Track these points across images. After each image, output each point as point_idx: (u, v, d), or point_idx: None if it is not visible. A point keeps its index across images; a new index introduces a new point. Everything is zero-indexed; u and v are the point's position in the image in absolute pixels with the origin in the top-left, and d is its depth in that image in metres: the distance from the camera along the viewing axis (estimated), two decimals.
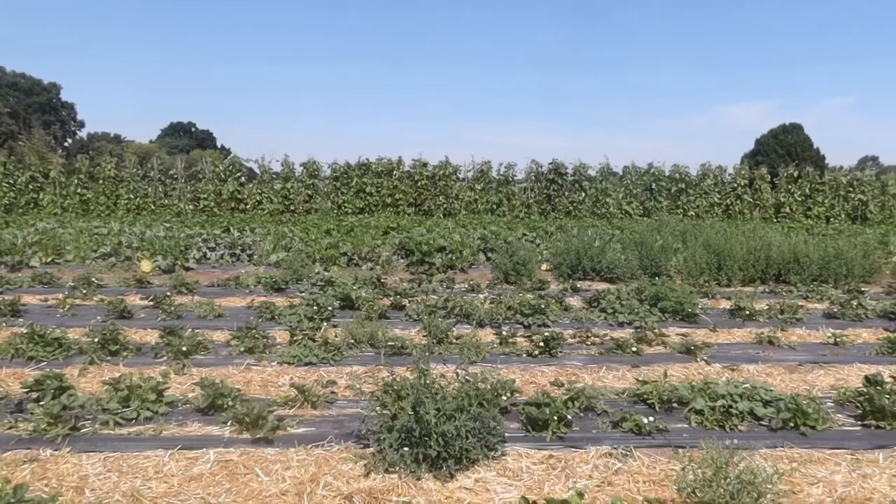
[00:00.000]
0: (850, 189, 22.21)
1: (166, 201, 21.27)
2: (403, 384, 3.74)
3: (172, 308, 7.15)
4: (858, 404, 4.36)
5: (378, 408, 3.70)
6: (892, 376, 4.71)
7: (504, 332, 6.08)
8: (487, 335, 6.36)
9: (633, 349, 5.70)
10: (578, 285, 9.38)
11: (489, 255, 12.08)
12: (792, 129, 70.17)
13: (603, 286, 9.22)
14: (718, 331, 6.89)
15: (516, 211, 21.08)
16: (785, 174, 22.12)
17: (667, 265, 10.74)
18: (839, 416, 4.35)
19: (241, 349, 5.63)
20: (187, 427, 3.97)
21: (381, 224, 17.24)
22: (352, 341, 5.78)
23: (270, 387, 4.84)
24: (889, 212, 22.04)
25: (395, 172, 20.84)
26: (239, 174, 21.13)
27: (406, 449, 3.37)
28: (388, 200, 20.61)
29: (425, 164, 21.01)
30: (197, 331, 6.20)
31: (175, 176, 21.80)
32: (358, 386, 4.74)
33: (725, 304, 8.04)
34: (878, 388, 4.50)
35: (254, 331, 5.95)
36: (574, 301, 8.12)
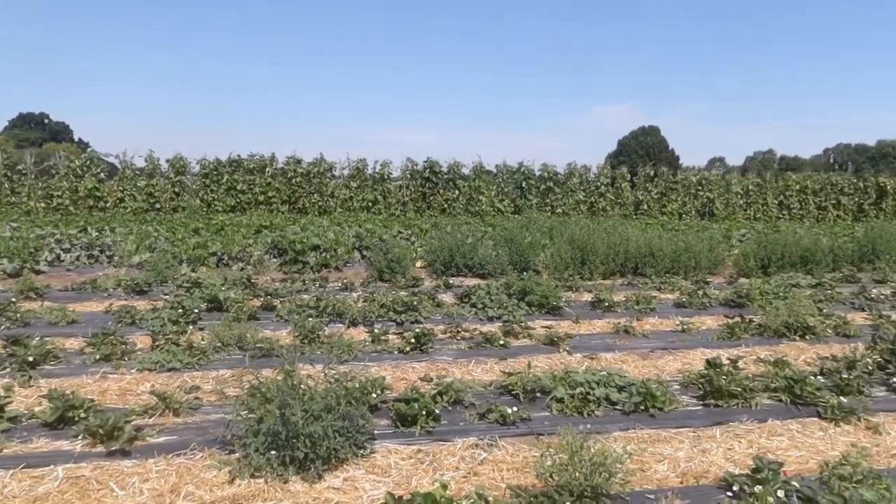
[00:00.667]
0: (700, 188, 24.10)
1: (13, 199, 19.48)
2: (270, 386, 3.68)
3: (18, 315, 6.59)
4: (700, 386, 4.77)
5: (244, 412, 3.62)
6: (729, 359, 5.17)
7: (376, 330, 6.12)
8: (360, 333, 6.36)
9: (501, 342, 5.92)
10: (451, 282, 9.57)
11: (364, 253, 12.05)
12: (650, 131, 75.02)
13: (475, 282, 9.47)
14: (581, 322, 7.28)
15: (392, 209, 21.16)
16: (643, 173, 23.68)
17: (535, 261, 11.18)
18: (684, 397, 4.73)
19: (97, 357, 5.29)
20: (32, 444, 3.69)
21: (254, 223, 16.72)
22: (219, 344, 5.59)
23: (129, 395, 4.60)
24: (732, 208, 24.16)
25: (267, 169, 20.28)
26: (98, 170, 19.72)
27: (273, 452, 3.33)
28: (261, 198, 20.03)
29: (299, 161, 20.61)
30: (47, 339, 5.76)
31: (24, 171, 20.02)
32: (223, 390, 4.61)
33: (588, 297, 8.49)
34: (717, 370, 4.95)
35: (111, 336, 5.62)
36: (447, 297, 8.29)
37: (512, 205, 22.16)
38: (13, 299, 7.32)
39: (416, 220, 18.64)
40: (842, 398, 4.48)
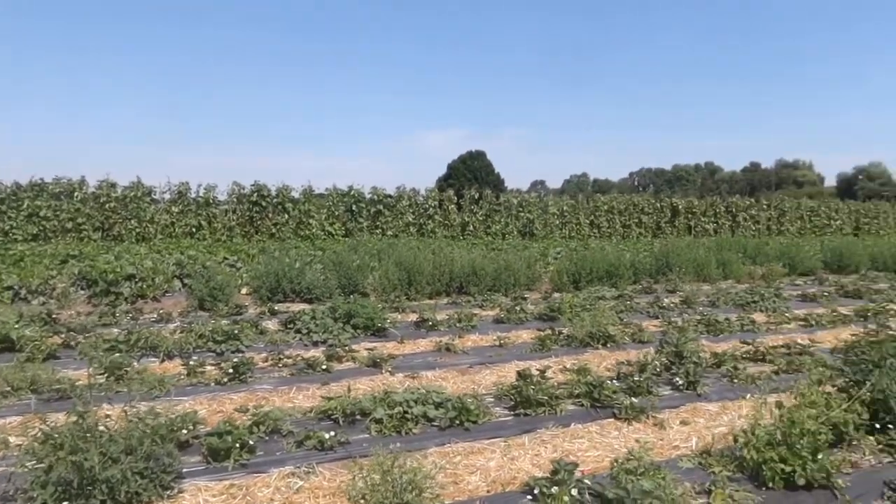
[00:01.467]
0: (521, 209, 25.53)
1: None
2: (61, 430, 3.39)
3: None
4: (511, 397, 5.06)
5: (30, 461, 3.30)
6: (538, 369, 5.54)
7: (191, 362, 5.84)
8: (175, 367, 6.03)
9: (323, 367, 5.89)
10: (277, 308, 9.35)
11: (185, 281, 11.43)
12: (477, 155, 78.23)
13: (303, 307, 9.32)
14: (406, 342, 7.43)
15: (218, 234, 20.23)
16: (468, 196, 24.65)
17: (364, 283, 11.26)
18: (497, 408, 5.00)
19: None
20: None
21: (60, 252, 15.23)
22: (7, 389, 5.05)
23: None
24: (550, 228, 25.84)
25: (76, 194, 18.57)
26: None
27: (66, 503, 3.07)
28: (69, 226, 18.25)
29: (113, 185, 19.11)
30: None
31: None
32: (6, 439, 4.16)
33: (414, 317, 8.68)
34: (527, 380, 5.27)
35: None
36: (271, 324, 8.09)
37: (343, 228, 22.09)
38: None
39: (244, 246, 17.97)
40: (633, 399, 4.96)
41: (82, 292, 10.29)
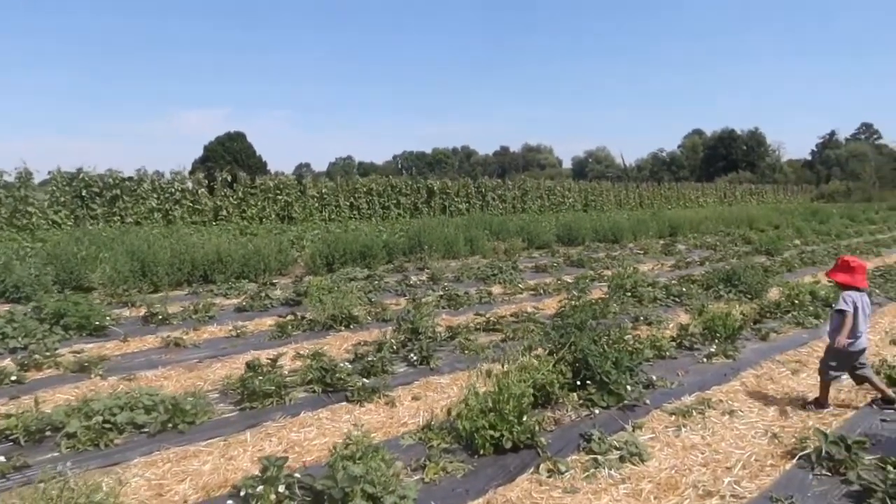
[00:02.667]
0: (279, 192, 24.68)
1: None
2: None
3: None
4: (237, 391, 4.71)
5: None
6: (269, 358, 5.23)
7: None
8: None
9: (13, 378, 5.00)
10: None
11: None
12: (237, 136, 74.77)
13: (17, 307, 7.92)
14: (130, 340, 6.66)
15: None
16: (220, 179, 23.22)
17: (90, 277, 10.00)
18: (222, 405, 4.61)
19: None
20: None
21: None
22: None
23: None
24: (309, 211, 25.36)
25: None
26: None
27: None
28: None
29: None
30: None
31: None
32: None
33: (144, 311, 7.84)
34: (256, 371, 4.95)
35: None
36: None
37: (72, 216, 19.52)
38: None
39: None
40: (366, 380, 4.88)
41: None
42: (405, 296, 9.25)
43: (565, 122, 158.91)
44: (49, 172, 20.20)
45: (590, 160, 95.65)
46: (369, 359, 5.33)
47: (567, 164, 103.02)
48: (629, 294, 8.78)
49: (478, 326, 6.93)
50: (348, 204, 26.99)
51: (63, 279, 9.73)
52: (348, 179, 29.11)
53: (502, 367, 4.30)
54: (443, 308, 8.14)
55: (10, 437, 3.87)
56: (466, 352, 5.90)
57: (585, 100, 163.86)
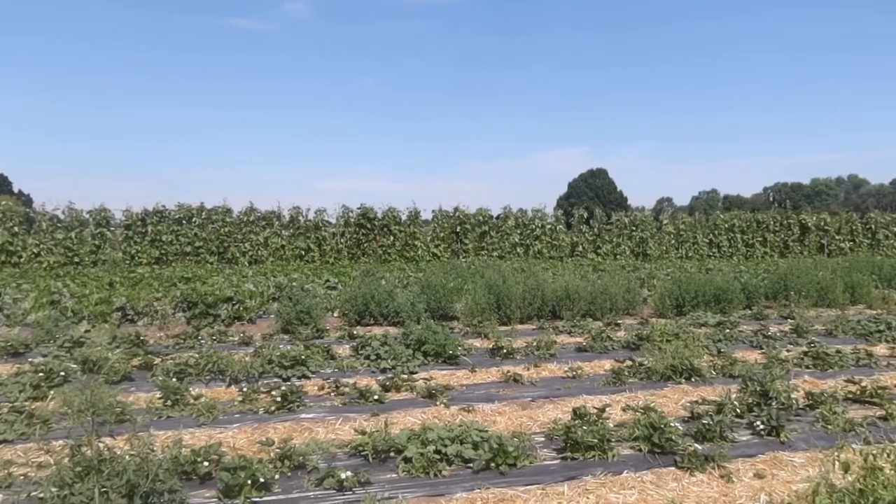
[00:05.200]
0: (634, 228, 24.51)
1: None
2: (61, 463, 3.39)
3: None
4: (561, 438, 4.64)
5: (51, 489, 3.30)
6: (595, 407, 5.06)
7: (245, 388, 5.85)
8: (235, 392, 6.08)
9: (375, 398, 5.71)
10: (358, 332, 9.31)
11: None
12: (598, 173, 76.66)
13: (391, 331, 9.22)
14: (478, 371, 7.12)
15: (327, 257, 20.89)
16: (577, 215, 23.99)
17: (454, 307, 11.08)
18: (545, 450, 4.59)
19: None
20: None
21: (176, 275, 16.25)
22: (66, 410, 5.25)
23: None
24: (665, 248, 24.60)
25: (194, 219, 19.86)
26: (11, 223, 18.95)
27: None
28: (188, 249, 19.53)
29: (229, 210, 20.26)
30: None
31: None
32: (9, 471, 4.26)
33: (492, 344, 8.34)
34: (582, 419, 4.83)
35: None
36: (345, 349, 8.05)
37: (448, 250, 22.13)
38: None
39: (348, 268, 18.39)
40: (698, 445, 4.39)
41: (182, 314, 10.80)
42: (760, 349, 8.23)
43: None
44: (432, 211, 23.30)
45: None
46: (706, 421, 4.80)
47: None
48: None
49: (849, 396, 5.77)
50: (707, 241, 25.47)
51: (433, 307, 10.93)
52: (708, 215, 27.49)
53: (873, 456, 3.45)
54: (805, 368, 7.02)
55: (362, 454, 4.37)
56: (830, 427, 4.94)
57: None
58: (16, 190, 65.95)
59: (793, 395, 5.43)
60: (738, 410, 5.18)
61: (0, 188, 65.51)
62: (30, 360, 7.48)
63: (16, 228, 18.92)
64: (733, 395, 5.48)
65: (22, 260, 18.69)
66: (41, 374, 6.21)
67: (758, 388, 5.39)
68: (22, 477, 4.01)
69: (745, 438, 4.82)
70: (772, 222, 26.27)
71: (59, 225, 19.35)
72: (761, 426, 4.83)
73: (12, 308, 10.87)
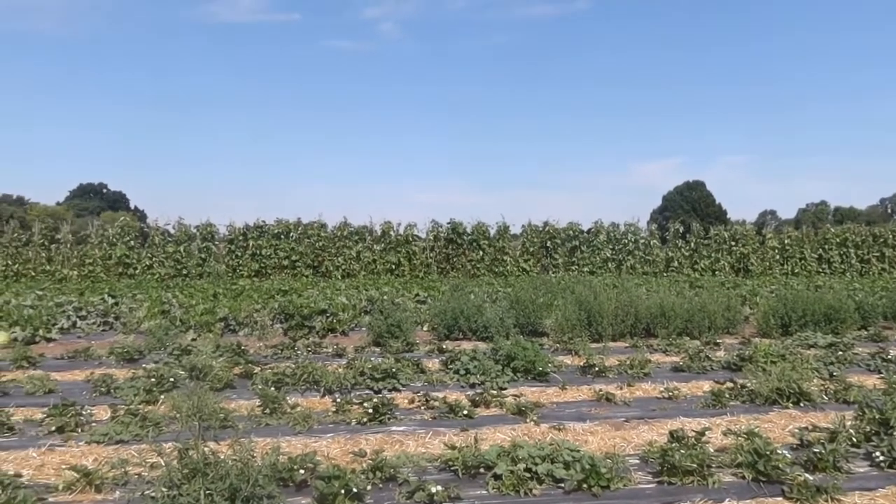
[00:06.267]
0: (734, 243, 23.46)
1: (49, 267, 20.20)
2: (188, 463, 3.56)
3: None
4: (657, 461, 4.45)
5: (162, 489, 3.49)
6: (694, 431, 4.83)
7: (339, 399, 5.97)
8: (329, 402, 6.21)
9: (465, 413, 5.68)
10: (447, 346, 9.34)
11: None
12: (695, 185, 74.03)
13: (480, 345, 9.19)
14: (568, 388, 6.98)
15: (416, 271, 21.16)
16: (672, 229, 23.21)
17: (543, 322, 10.93)
18: (640, 473, 4.42)
19: (52, 428, 5.28)
20: None
21: (274, 287, 16.90)
22: (175, 415, 5.52)
23: (67, 469, 4.53)
24: (769, 263, 23.38)
25: (292, 234, 20.63)
26: (128, 238, 20.34)
27: None
28: (286, 263, 20.31)
29: (324, 225, 20.92)
30: (18, 408, 5.84)
31: (62, 240, 20.82)
32: (125, 469, 4.47)
33: (584, 361, 8.17)
34: (680, 442, 4.62)
35: (71, 407, 5.60)
36: (435, 363, 8.09)
37: (538, 264, 21.93)
38: (9, 366, 7.46)
39: (438, 283, 18.55)
40: (809, 476, 4.11)
41: (279, 325, 11.19)
42: (879, 373, 7.65)
43: None
44: (522, 226, 23.18)
45: None
46: (817, 449, 4.49)
47: None
48: None
49: None
50: (816, 256, 24.05)
51: (522, 323, 10.83)
52: (817, 229, 25.97)
53: None
54: None
55: (451, 468, 4.36)
56: None
57: None
58: (132, 206, 70.87)
59: None
60: (855, 439, 4.81)
61: (118, 205, 70.78)
62: (143, 365, 7.96)
63: (132, 242, 20.31)
64: (848, 423, 5.11)
65: (137, 272, 20.00)
66: (153, 380, 6.58)
67: (877, 416, 4.99)
68: (136, 476, 4.24)
69: (862, 470, 4.47)
70: (891, 236, 24.43)
71: (169, 239, 20.62)
72: (881, 457, 4.47)
73: (128, 317, 11.61)
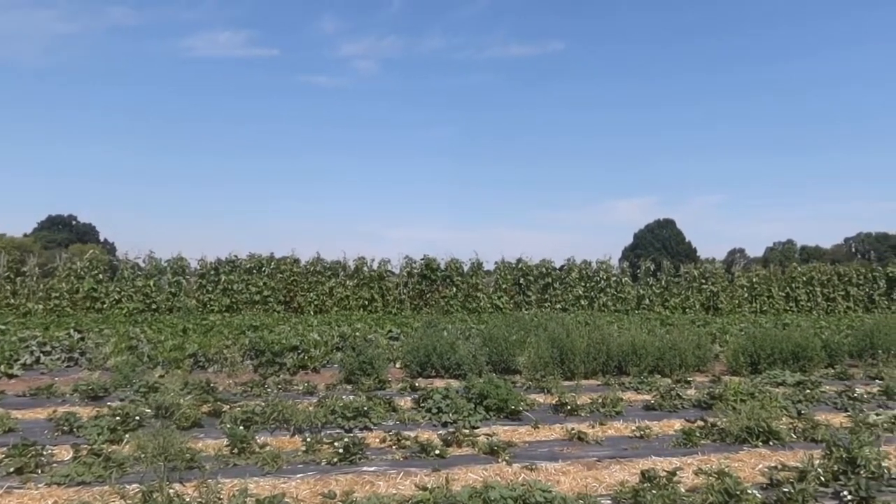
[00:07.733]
0: (704, 281, 23.80)
1: (13, 301, 19.71)
2: None
3: None
4: (629, 501, 4.44)
5: None
6: (665, 471, 4.85)
7: (309, 439, 5.88)
8: (298, 442, 6.11)
9: (437, 452, 5.63)
10: (420, 384, 9.27)
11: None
12: (666, 223, 75.07)
13: (452, 383, 9.14)
14: (541, 427, 6.96)
15: (390, 307, 21.06)
16: (643, 267, 23.49)
17: (516, 360, 10.92)
18: None
19: (11, 469, 5.10)
20: None
21: (245, 322, 16.68)
22: (141, 455, 5.38)
23: None
24: (738, 302, 23.72)
25: (264, 268, 20.46)
26: (97, 271, 19.98)
27: None
28: (257, 298, 20.09)
29: (297, 261, 20.80)
30: None
31: (27, 273, 20.39)
32: None
33: (556, 399, 8.16)
34: (651, 482, 4.62)
35: (32, 447, 5.43)
36: (406, 401, 8.02)
37: (511, 301, 21.99)
38: None
39: (411, 319, 18.48)
40: None
41: (250, 362, 11.02)
42: (845, 411, 7.77)
43: None
44: (495, 262, 23.27)
45: None
46: (787, 489, 4.52)
47: None
48: None
49: None
50: (783, 294, 24.48)
51: (495, 360, 10.81)
52: (784, 267, 26.48)
53: None
54: None
55: None
56: None
57: None
58: (101, 239, 69.81)
59: (884, 464, 5.06)
60: (823, 478, 4.86)
61: (88, 237, 69.65)
62: (108, 403, 7.76)
63: (100, 276, 19.93)
64: (816, 462, 5.16)
65: (105, 306, 19.59)
66: (118, 418, 6.42)
67: (844, 455, 5.05)
68: None
69: None
70: (855, 275, 25.03)
71: (139, 273, 20.30)
72: (849, 496, 4.52)
73: (94, 353, 11.35)
